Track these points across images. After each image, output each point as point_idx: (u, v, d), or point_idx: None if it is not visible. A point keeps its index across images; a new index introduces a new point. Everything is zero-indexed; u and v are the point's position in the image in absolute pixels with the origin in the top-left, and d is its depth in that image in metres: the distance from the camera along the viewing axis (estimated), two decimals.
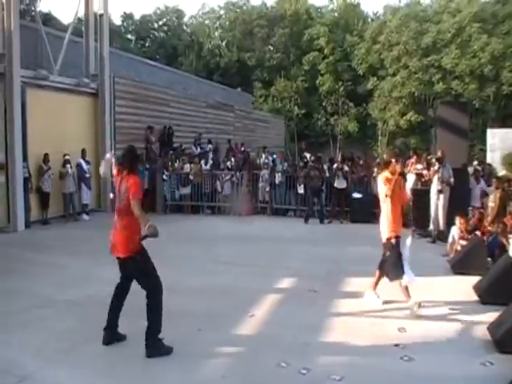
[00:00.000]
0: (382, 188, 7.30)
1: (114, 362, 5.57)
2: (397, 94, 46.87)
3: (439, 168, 12.51)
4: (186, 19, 59.68)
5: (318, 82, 49.84)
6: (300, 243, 12.37)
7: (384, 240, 7.32)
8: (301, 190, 16.77)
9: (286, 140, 41.39)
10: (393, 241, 7.20)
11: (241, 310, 7.20)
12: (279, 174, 17.41)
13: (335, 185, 16.03)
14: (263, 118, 35.49)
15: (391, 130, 46.81)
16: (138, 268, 5.67)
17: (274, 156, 20.02)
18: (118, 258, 5.75)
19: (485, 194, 12.79)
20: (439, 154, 12.72)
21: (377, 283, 7.61)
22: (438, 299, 7.72)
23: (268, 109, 46.24)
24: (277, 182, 17.23)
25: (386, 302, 7.59)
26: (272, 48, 52.73)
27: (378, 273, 7.57)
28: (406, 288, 7.24)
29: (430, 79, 47.04)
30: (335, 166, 16.55)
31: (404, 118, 46.42)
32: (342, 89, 47.88)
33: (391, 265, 7.28)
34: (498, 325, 6.18)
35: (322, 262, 10.38)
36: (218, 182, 17.76)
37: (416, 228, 13.28)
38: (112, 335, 5.90)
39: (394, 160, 7.37)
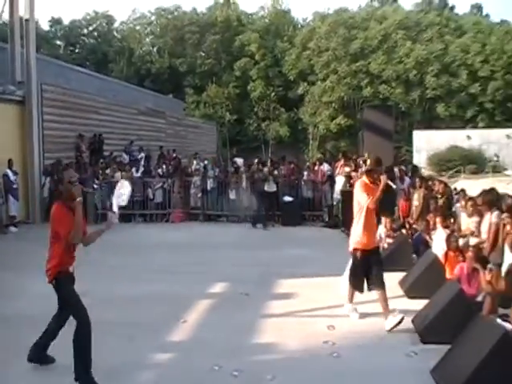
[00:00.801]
0: (361, 196, 6.76)
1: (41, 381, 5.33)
2: (327, 99, 47.91)
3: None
4: (116, 25, 59.07)
5: (249, 87, 50.33)
6: (233, 248, 12.46)
7: (350, 249, 6.94)
8: (232, 196, 16.94)
9: (218, 146, 41.52)
10: (358, 254, 6.78)
11: (173, 316, 7.20)
12: (211, 179, 17.49)
13: (265, 188, 16.25)
14: (195, 125, 35.48)
15: (322, 133, 47.83)
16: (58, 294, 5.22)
17: (206, 162, 20.08)
18: None
19: (404, 194, 13.29)
20: (366, 156, 13.15)
21: (352, 294, 7.17)
22: (366, 296, 7.96)
23: (200, 115, 46.28)
24: (208, 188, 17.30)
25: (315, 301, 7.80)
26: (203, 54, 52.88)
27: (349, 285, 7.15)
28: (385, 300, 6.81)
29: (359, 84, 48.38)
30: (265, 169, 16.78)
31: (334, 121, 47.53)
32: (273, 94, 48.59)
33: (350, 277, 7.03)
34: (421, 317, 6.49)
35: (255, 265, 10.51)
36: (149, 190, 17.63)
37: (345, 228, 13.66)
38: (38, 354, 5.44)
39: (377, 169, 6.85)
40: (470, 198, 9.61)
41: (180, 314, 7.30)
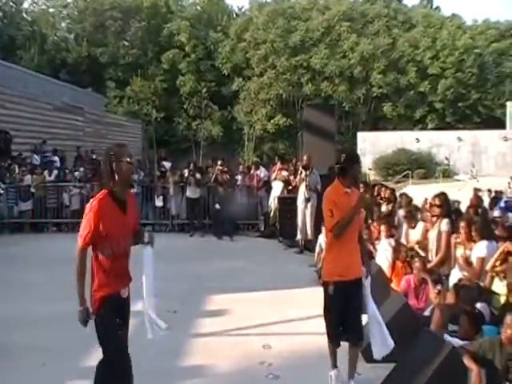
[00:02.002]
0: (325, 213, 5.49)
1: None
2: (264, 96, 48.29)
3: (306, 175, 13.15)
4: (25, 5, 57.30)
5: (178, 82, 50.16)
6: (160, 260, 12.30)
7: (321, 281, 5.79)
8: (159, 203, 16.87)
9: (144, 147, 41.16)
10: (330, 288, 5.42)
11: (92, 339, 7.07)
12: (134, 184, 17.33)
13: (187, 194, 16.28)
14: (117, 123, 35.08)
15: (258, 134, 48.13)
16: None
17: None
18: None
19: None
20: (305, 159, 13.38)
21: (333, 353, 5.73)
22: (304, 312, 8.09)
23: (123, 112, 45.78)
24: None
25: (249, 318, 7.88)
26: (127, 43, 52.35)
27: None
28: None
29: (299, 80, 49.02)
30: (186, 172, 16.81)
31: (272, 121, 47.95)
32: (204, 90, 48.61)
33: (326, 325, 5.59)
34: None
35: (184, 279, 10.49)
36: (64, 195, 17.31)
37: (283, 238, 13.85)
38: None
39: (354, 168, 5.58)
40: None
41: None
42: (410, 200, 12.07)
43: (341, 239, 5.31)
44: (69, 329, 7.49)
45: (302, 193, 13.25)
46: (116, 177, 4.39)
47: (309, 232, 13.14)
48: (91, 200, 4.41)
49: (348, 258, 5.36)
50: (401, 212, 11.87)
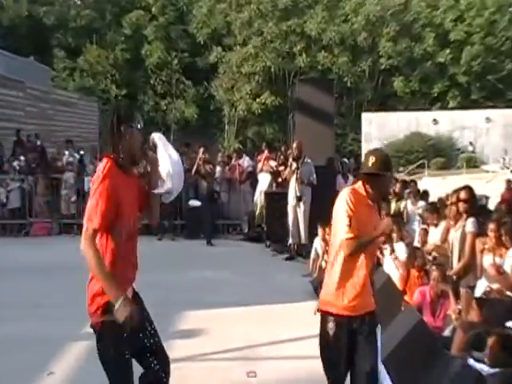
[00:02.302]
0: (340, 222, 4.80)
1: None
2: (248, 70, 48.14)
3: (297, 167, 13.19)
4: None
5: (143, 51, 49.93)
6: None
7: (316, 309, 5.07)
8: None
9: (102, 131, 40.89)
10: (330, 324, 4.81)
11: (37, 366, 7.10)
12: (89, 178, 17.26)
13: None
14: (68, 101, 34.86)
15: (241, 116, 47.97)
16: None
17: (82, 153, 19.78)
18: None
19: None
20: (295, 147, 13.40)
21: None
22: (296, 332, 8.11)
23: (75, 87, 45.51)
24: (86, 188, 17.07)
25: (230, 339, 7.89)
26: (79, 2, 51.98)
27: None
28: None
29: (291, 50, 48.90)
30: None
31: (257, 100, 47.77)
32: (176, 62, 48.37)
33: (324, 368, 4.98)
34: None
35: (149, 292, 10.35)
36: (1, 191, 17.22)
37: (271, 242, 13.88)
38: None
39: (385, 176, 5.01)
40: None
41: (46, 363, 7.20)
42: (425, 192, 12.15)
43: (355, 259, 4.76)
44: (16, 354, 7.50)
45: (292, 188, 13.30)
46: (121, 146, 4.39)
47: (302, 235, 13.18)
48: (99, 168, 4.30)
49: (361, 286, 4.79)
50: (410, 206, 11.98)
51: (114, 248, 4.28)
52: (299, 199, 13.10)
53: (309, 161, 13.30)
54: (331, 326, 4.76)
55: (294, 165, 13.26)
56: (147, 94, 48.84)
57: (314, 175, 13.20)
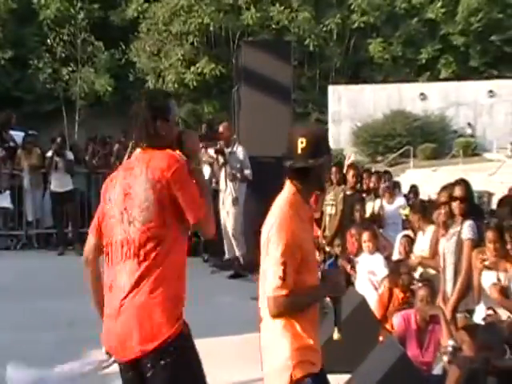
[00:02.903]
0: (274, 267, 4.47)
1: None
2: (179, 28, 48.00)
3: (225, 161, 13.39)
4: None
5: (36, 1, 49.34)
6: (11, 294, 12.32)
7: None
8: (4, 202, 16.76)
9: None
10: None
11: None
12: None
13: (52, 187, 16.43)
14: None
15: (171, 89, 47.81)
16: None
17: None
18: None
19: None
20: (221, 130, 13.46)
21: None
22: (248, 374, 8.17)
23: None
24: None
25: None
26: None
27: None
28: None
29: (236, 2, 48.89)
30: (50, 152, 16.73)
31: (192, 69, 47.65)
32: (81, 16, 47.74)
33: None
34: None
35: (48, 327, 10.44)
36: None
37: (209, 255, 13.91)
38: None
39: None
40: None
41: None
42: (415, 189, 12.30)
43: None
44: None
45: (223, 189, 13.42)
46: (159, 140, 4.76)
47: (235, 245, 13.30)
48: (173, 157, 4.70)
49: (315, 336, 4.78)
50: (386, 205, 12.10)
51: (183, 251, 4.97)
52: (235, 201, 13.16)
53: (239, 149, 13.45)
54: None
55: (221, 159, 13.35)
56: (42, 58, 47.96)
57: (249, 166, 13.23)
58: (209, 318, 8.73)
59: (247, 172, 13.24)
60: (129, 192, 4.67)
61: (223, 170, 13.38)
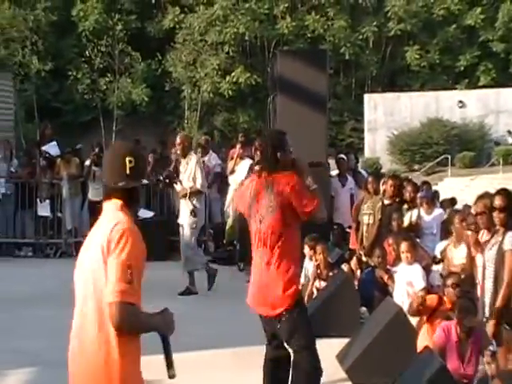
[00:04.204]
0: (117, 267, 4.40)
1: None
2: (215, 38, 47.94)
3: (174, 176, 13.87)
4: None
5: (75, 12, 49.58)
6: (43, 303, 12.53)
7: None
8: (44, 211, 16.86)
9: (18, 117, 40.61)
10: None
11: None
12: (1, 181, 17.24)
13: (90, 196, 16.82)
14: None
15: (206, 99, 47.70)
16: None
17: None
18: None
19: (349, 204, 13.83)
20: (178, 143, 13.63)
21: None
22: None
23: None
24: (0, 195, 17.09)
25: None
26: None
27: None
28: None
29: (271, 11, 48.81)
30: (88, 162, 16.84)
31: (228, 78, 47.59)
32: (119, 27, 47.87)
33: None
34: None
35: None
36: None
37: (245, 264, 13.90)
38: None
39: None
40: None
41: None
42: (453, 200, 12.22)
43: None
44: None
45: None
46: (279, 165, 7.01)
47: (189, 259, 13.53)
48: (291, 177, 6.99)
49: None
50: (424, 215, 12.04)
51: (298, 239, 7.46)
52: (192, 213, 13.24)
53: (193, 160, 13.53)
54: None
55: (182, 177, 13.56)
56: (81, 69, 48.27)
57: (199, 177, 13.39)
58: (246, 327, 8.72)
59: (198, 184, 13.29)
60: (260, 199, 6.92)
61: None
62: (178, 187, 13.81)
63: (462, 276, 9.08)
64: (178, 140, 13.70)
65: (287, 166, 7.07)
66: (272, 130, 7.79)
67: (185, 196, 13.29)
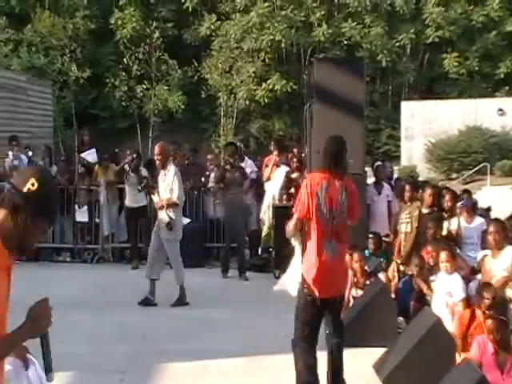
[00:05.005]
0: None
1: None
2: (251, 45, 47.98)
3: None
4: None
5: (113, 20, 49.84)
6: (82, 308, 12.47)
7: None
8: (82, 217, 16.95)
9: (58, 124, 40.87)
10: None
11: None
12: None
13: (127, 202, 16.88)
14: (11, 84, 34.89)
15: (242, 107, 47.74)
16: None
17: (30, 154, 19.77)
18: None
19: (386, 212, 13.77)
20: (157, 151, 13.48)
21: None
22: None
23: (21, 67, 45.34)
24: None
25: None
26: None
27: None
28: None
29: (307, 19, 48.77)
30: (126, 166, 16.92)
31: (264, 85, 47.59)
32: (156, 35, 47.98)
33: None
34: None
35: (121, 339, 10.52)
36: None
37: (281, 272, 13.85)
38: None
39: None
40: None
41: None
42: (488, 209, 12.14)
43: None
44: None
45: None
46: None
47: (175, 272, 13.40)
48: (353, 180, 8.48)
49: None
50: (464, 224, 11.95)
51: None
52: (168, 226, 13.07)
53: (171, 170, 13.34)
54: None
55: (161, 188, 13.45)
56: (118, 76, 48.37)
57: (176, 189, 13.20)
58: (281, 335, 8.70)
59: (175, 196, 13.15)
60: (333, 197, 7.83)
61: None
62: (155, 198, 13.77)
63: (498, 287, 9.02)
64: (156, 150, 13.57)
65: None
66: (336, 136, 8.44)
67: (161, 208, 13.19)
